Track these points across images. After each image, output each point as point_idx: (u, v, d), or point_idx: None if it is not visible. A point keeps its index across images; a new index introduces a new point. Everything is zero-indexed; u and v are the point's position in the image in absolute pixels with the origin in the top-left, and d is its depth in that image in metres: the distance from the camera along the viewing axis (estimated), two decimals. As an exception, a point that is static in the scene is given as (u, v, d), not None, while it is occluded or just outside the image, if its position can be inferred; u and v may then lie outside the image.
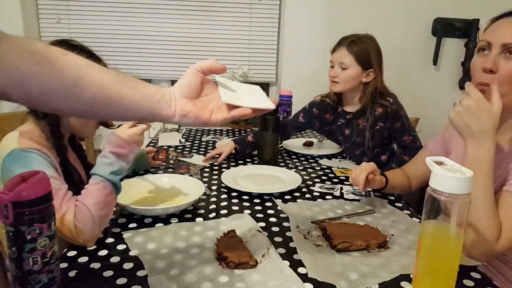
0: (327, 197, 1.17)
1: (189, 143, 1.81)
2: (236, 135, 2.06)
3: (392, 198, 1.18)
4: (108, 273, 0.73)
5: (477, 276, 0.76)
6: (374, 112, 1.57)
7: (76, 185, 1.00)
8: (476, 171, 0.81)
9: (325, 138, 1.94)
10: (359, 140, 1.64)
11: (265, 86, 2.51)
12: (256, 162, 1.52)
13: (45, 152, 0.91)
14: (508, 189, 0.85)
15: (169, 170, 1.39)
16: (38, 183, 0.60)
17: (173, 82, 2.45)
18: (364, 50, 1.53)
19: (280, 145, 1.72)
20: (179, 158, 1.52)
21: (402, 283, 0.73)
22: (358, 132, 1.63)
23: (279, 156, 1.61)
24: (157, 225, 0.94)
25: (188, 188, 1.14)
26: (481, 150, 0.83)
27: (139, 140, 0.97)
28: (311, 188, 1.24)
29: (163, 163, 1.43)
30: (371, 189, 1.19)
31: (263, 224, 0.96)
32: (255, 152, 1.57)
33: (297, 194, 1.19)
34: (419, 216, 1.04)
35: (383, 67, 1.59)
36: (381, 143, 1.67)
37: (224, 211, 1.03)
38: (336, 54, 1.58)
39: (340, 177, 1.37)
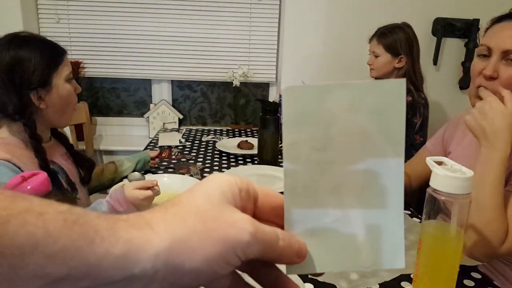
0: (327, 197, 1.17)
1: (189, 143, 1.81)
2: (236, 135, 2.06)
3: (392, 198, 1.18)
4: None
5: (478, 276, 0.76)
6: None
7: (60, 186, 1.00)
8: (486, 173, 0.80)
9: None
10: None
11: (265, 86, 2.51)
12: (256, 162, 1.52)
13: (15, 162, 0.90)
14: None
15: (169, 170, 1.39)
16: (39, 183, 0.60)
17: (173, 82, 2.45)
18: (392, 39, 1.71)
19: (280, 145, 1.72)
20: (181, 159, 1.52)
21: (403, 283, 0.73)
22: None
23: (279, 156, 1.60)
24: (157, 225, 0.93)
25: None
26: (494, 151, 0.81)
27: (140, 205, 0.93)
28: (311, 188, 1.24)
29: (163, 162, 1.43)
30: None
31: (263, 224, 0.95)
32: (255, 152, 1.57)
33: (297, 194, 1.18)
34: (419, 216, 1.04)
35: (417, 54, 1.76)
36: None
37: (224, 211, 1.03)
38: (370, 44, 1.79)
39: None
